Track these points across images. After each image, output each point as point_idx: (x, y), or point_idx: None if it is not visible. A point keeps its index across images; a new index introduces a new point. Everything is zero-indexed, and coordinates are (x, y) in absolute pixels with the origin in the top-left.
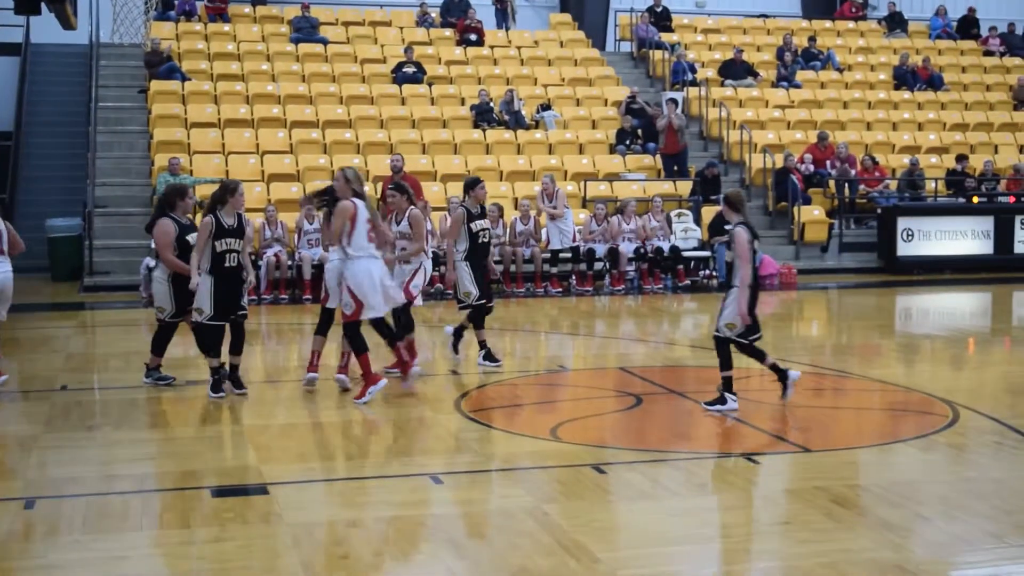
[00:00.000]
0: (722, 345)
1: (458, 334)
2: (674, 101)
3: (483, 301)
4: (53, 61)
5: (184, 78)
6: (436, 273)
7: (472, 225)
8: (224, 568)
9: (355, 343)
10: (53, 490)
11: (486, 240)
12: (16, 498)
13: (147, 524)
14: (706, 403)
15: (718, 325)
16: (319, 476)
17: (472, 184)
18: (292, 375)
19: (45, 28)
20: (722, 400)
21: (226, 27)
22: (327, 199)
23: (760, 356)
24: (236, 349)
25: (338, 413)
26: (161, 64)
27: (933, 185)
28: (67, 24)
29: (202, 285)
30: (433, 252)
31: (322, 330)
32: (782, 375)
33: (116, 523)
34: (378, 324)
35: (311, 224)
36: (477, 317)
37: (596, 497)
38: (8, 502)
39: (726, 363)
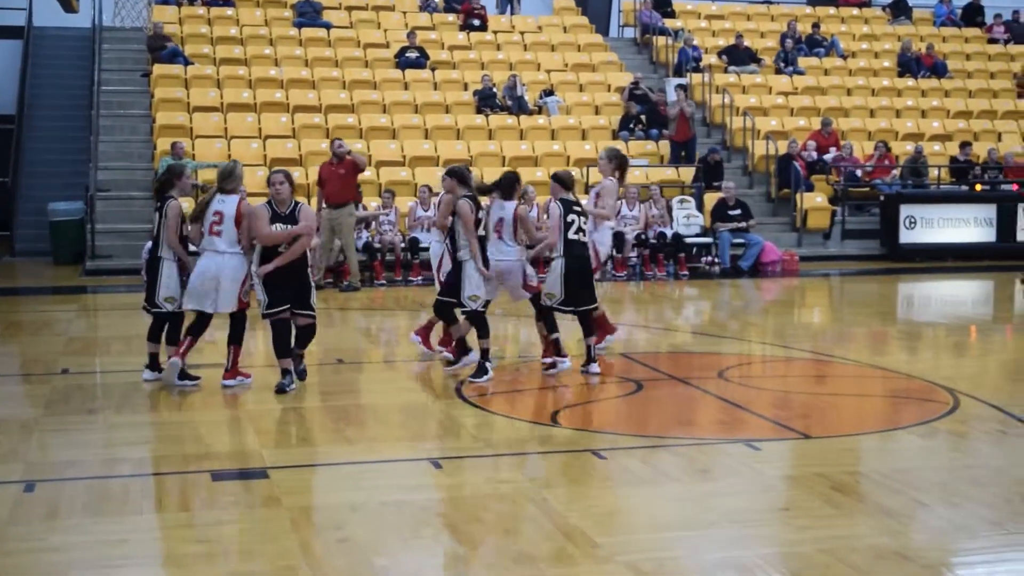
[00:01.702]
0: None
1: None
2: (683, 87)
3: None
4: (55, 44)
5: (187, 62)
6: None
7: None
8: (224, 551)
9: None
10: (53, 473)
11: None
12: (16, 481)
13: (147, 508)
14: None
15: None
16: (320, 460)
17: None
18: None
19: (47, 11)
20: (559, 358)
21: (229, 11)
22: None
23: (551, 328)
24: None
25: (340, 398)
26: (163, 48)
27: (936, 172)
28: (69, 7)
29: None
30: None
31: (540, 316)
32: (557, 353)
33: (116, 506)
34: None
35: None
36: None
37: (595, 482)
38: (8, 485)
39: (553, 327)
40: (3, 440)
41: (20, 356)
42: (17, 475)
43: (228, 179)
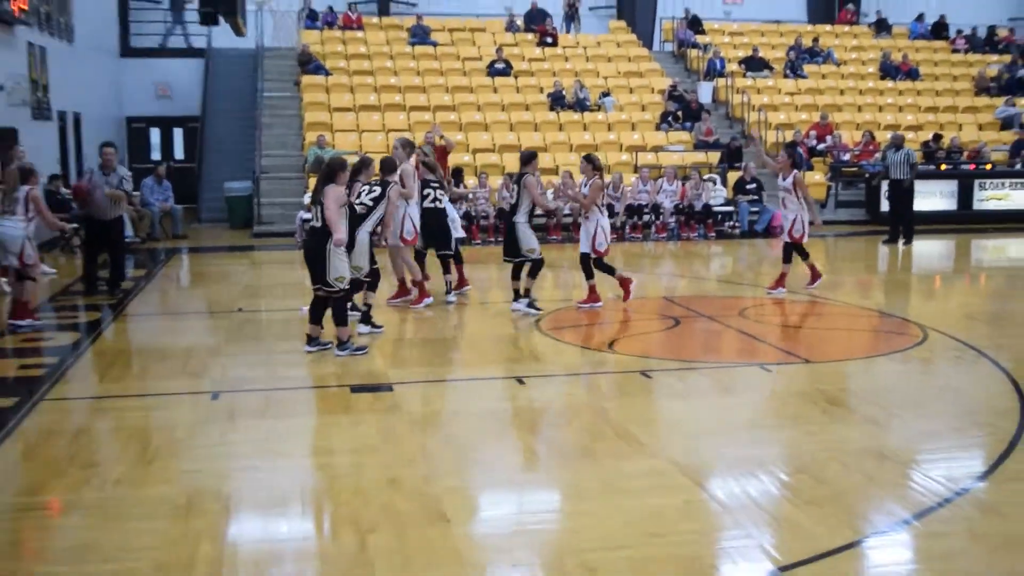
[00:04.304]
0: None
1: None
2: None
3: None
4: (228, 61)
5: (327, 73)
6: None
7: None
8: (361, 446)
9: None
10: (233, 386)
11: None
12: (206, 392)
13: (302, 412)
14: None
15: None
16: (431, 378)
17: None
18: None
19: (222, 35)
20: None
21: (359, 34)
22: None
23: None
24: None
25: (447, 331)
26: (310, 63)
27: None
28: (239, 32)
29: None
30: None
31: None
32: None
33: (280, 411)
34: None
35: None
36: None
37: (643, 396)
38: (200, 395)
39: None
40: (196, 362)
41: (206, 299)
42: (206, 387)
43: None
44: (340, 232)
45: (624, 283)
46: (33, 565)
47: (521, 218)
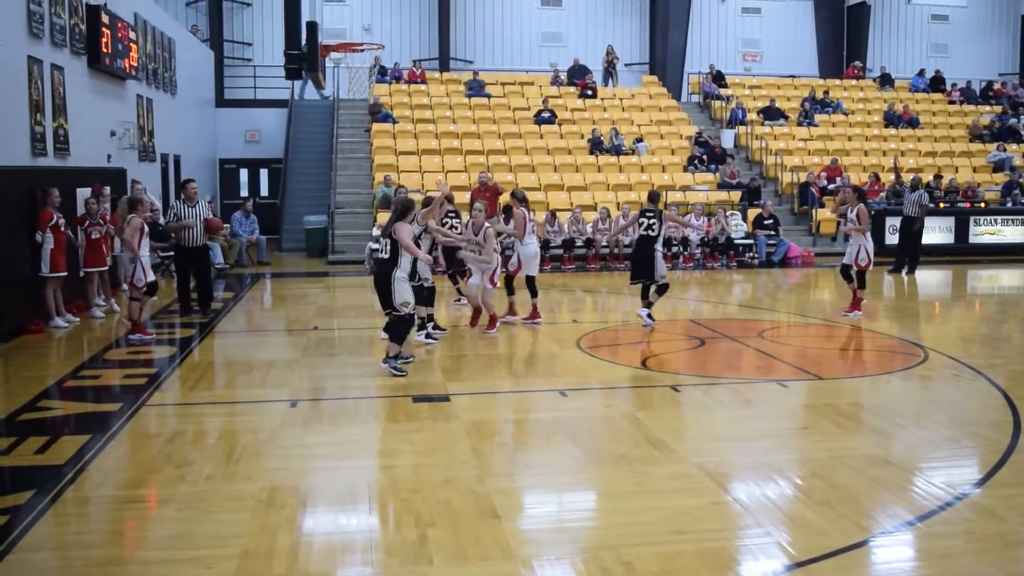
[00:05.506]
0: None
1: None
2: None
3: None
4: (309, 111)
5: (394, 121)
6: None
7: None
8: (421, 449)
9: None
10: (308, 395)
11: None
12: (284, 400)
13: (370, 419)
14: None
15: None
16: (483, 389)
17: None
18: (462, 324)
19: (304, 89)
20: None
21: (422, 87)
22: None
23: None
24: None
25: (498, 348)
26: (379, 112)
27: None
28: (318, 86)
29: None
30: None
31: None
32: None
33: (350, 418)
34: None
35: None
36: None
37: (673, 408)
38: (279, 403)
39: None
40: (276, 373)
41: (285, 318)
42: (285, 396)
43: None
44: (418, 253)
45: (535, 309)
46: (134, 551)
47: (659, 246)
